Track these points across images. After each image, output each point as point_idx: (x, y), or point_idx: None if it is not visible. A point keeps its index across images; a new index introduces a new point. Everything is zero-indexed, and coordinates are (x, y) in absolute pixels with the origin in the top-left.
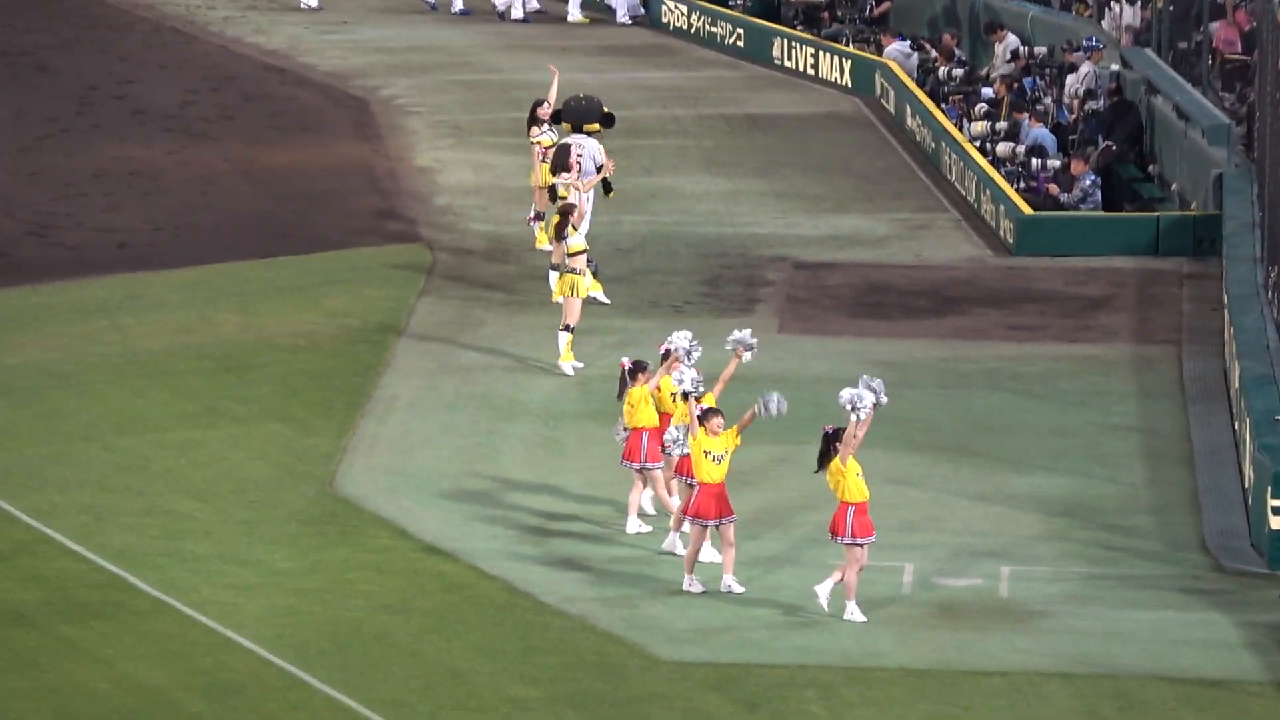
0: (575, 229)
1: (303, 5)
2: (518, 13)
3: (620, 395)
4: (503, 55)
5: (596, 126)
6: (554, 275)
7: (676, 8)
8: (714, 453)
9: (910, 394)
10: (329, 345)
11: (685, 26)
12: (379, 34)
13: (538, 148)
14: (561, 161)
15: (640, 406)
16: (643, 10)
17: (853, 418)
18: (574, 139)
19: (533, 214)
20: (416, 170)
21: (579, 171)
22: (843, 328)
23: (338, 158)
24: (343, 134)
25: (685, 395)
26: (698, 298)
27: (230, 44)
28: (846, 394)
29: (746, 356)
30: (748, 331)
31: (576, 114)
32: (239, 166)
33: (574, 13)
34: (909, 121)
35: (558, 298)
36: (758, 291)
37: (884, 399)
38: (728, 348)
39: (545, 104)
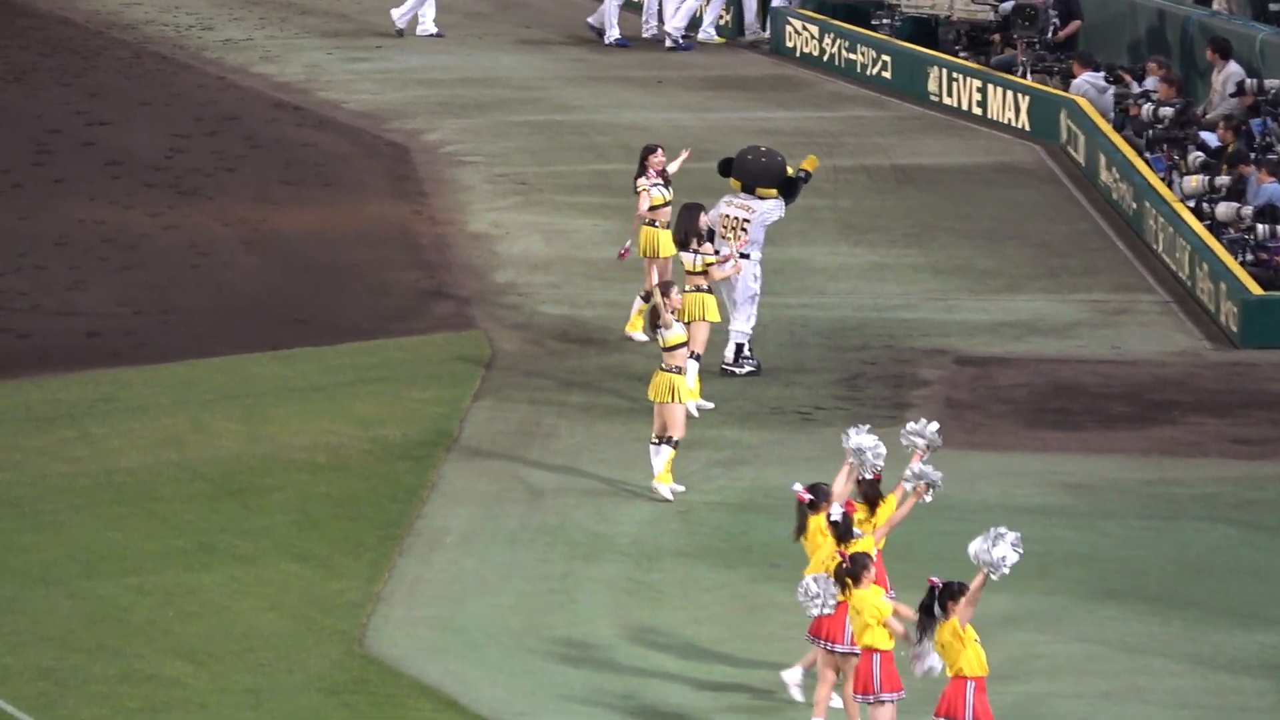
0: (673, 315)
1: (408, 29)
2: (650, 32)
3: (799, 534)
4: (580, 89)
5: (774, 194)
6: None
7: (805, 29)
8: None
9: (1106, 526)
10: (359, 463)
11: (815, 52)
12: (422, 62)
13: (644, 198)
14: (690, 228)
15: (824, 541)
16: (762, 31)
17: (992, 577)
18: (734, 201)
19: (626, 245)
20: (470, 237)
21: (741, 241)
22: (1019, 440)
23: (369, 221)
24: (376, 190)
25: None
26: (832, 402)
27: (231, 74)
28: (982, 550)
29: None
30: (932, 426)
31: (750, 171)
32: (242, 232)
33: (707, 31)
34: (1103, 174)
35: (657, 400)
36: (909, 394)
37: (1013, 553)
38: (905, 443)
39: (659, 152)
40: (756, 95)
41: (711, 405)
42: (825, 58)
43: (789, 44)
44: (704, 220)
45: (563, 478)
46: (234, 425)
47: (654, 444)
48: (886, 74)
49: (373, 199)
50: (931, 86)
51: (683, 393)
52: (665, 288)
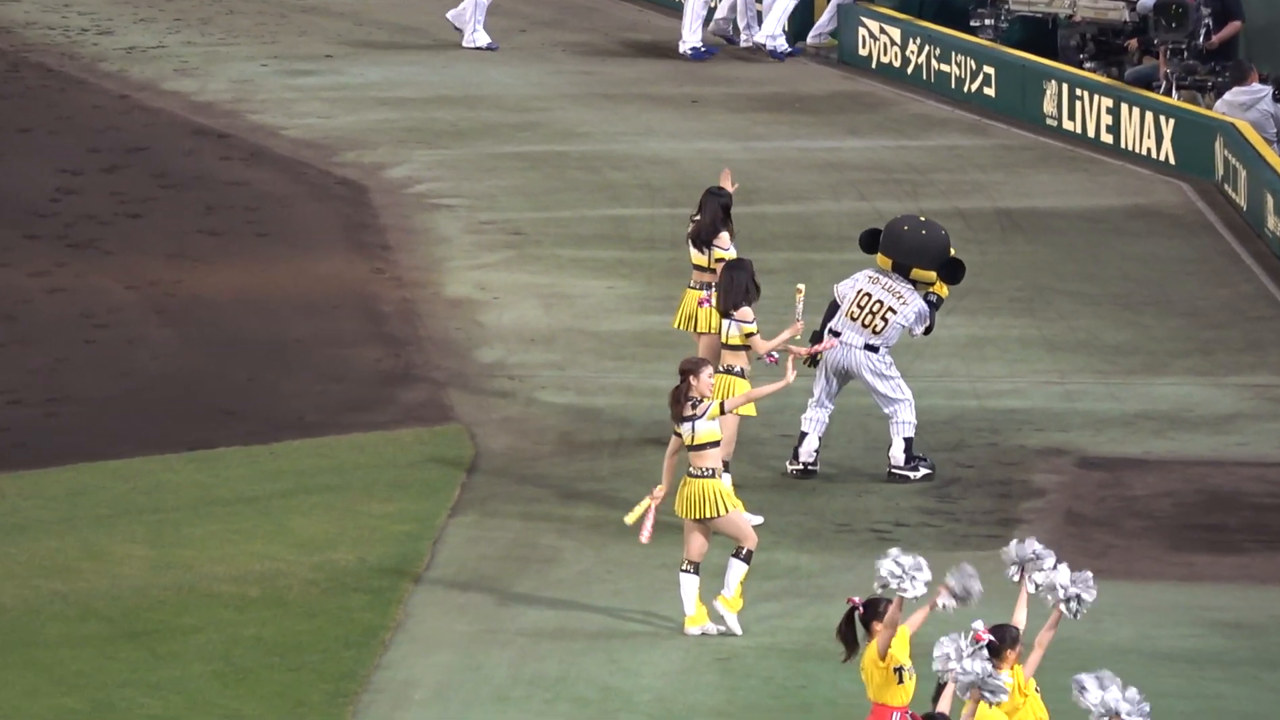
0: (703, 402)
1: (469, 42)
2: (748, 36)
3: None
4: (590, 110)
5: (933, 277)
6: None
7: (883, 32)
8: None
9: (1274, 679)
10: (301, 597)
11: (896, 62)
12: (385, 75)
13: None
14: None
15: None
16: (830, 36)
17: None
18: (881, 280)
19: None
20: (448, 304)
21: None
22: (1161, 567)
23: (317, 283)
24: (325, 243)
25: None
26: (917, 517)
27: (137, 92)
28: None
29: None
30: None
31: (904, 246)
32: (152, 297)
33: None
34: (1271, 220)
35: (687, 516)
36: (1017, 507)
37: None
38: (1010, 574)
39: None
40: (820, 118)
41: (761, 519)
42: (910, 69)
43: (862, 51)
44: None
45: (566, 615)
46: (139, 549)
47: (685, 571)
48: (989, 90)
49: (321, 254)
50: (1048, 107)
51: (725, 499)
52: (695, 366)
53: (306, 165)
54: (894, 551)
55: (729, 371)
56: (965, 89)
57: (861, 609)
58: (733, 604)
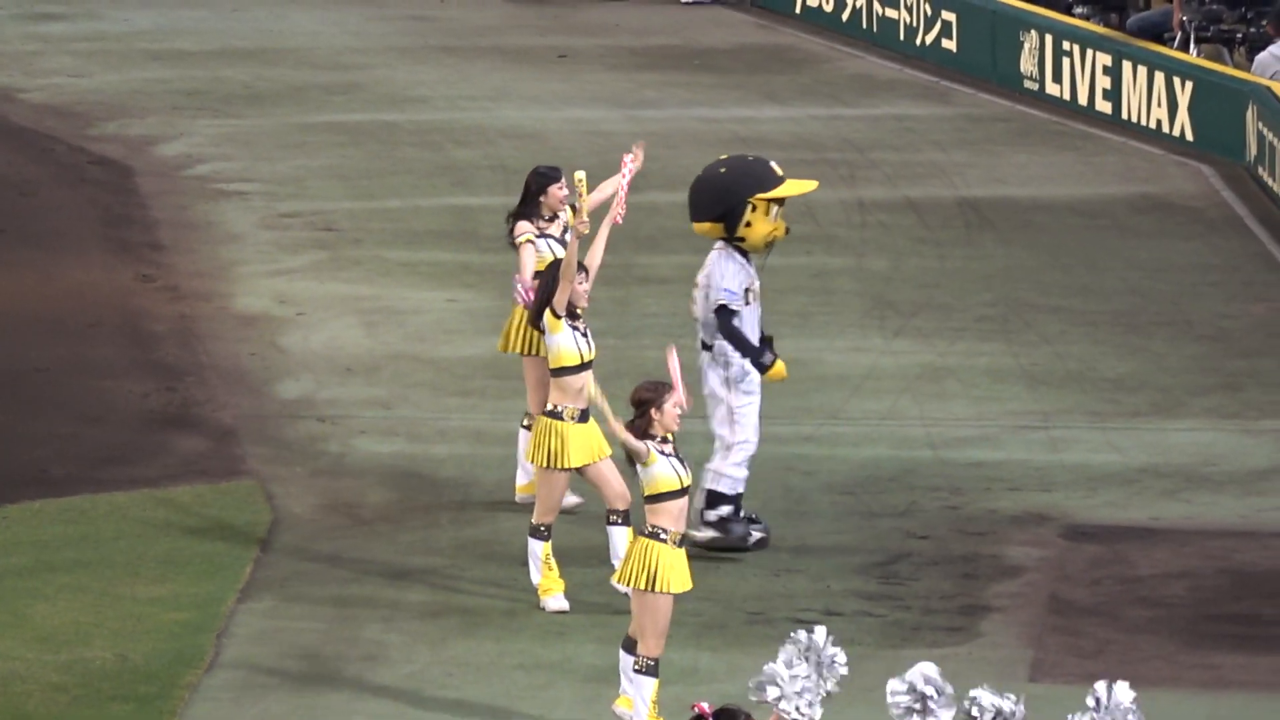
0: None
1: None
2: None
3: None
4: (426, 67)
5: (717, 231)
6: (535, 549)
7: None
8: None
9: None
10: (45, 708)
11: (829, 7)
12: (157, 21)
13: (526, 254)
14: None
15: None
16: None
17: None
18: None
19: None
20: (239, 321)
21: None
22: (1174, 670)
23: (66, 293)
24: (77, 240)
25: None
26: (854, 602)
27: None
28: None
29: None
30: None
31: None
32: None
33: None
34: None
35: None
36: (985, 590)
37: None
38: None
39: (560, 182)
40: (728, 79)
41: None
42: (845, 16)
43: None
44: (579, 288)
45: None
46: None
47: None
48: (949, 44)
49: (72, 257)
50: (1026, 65)
51: (669, 577)
52: (655, 393)
53: (53, 139)
54: (791, 649)
55: (553, 414)
56: (918, 42)
57: None
58: None
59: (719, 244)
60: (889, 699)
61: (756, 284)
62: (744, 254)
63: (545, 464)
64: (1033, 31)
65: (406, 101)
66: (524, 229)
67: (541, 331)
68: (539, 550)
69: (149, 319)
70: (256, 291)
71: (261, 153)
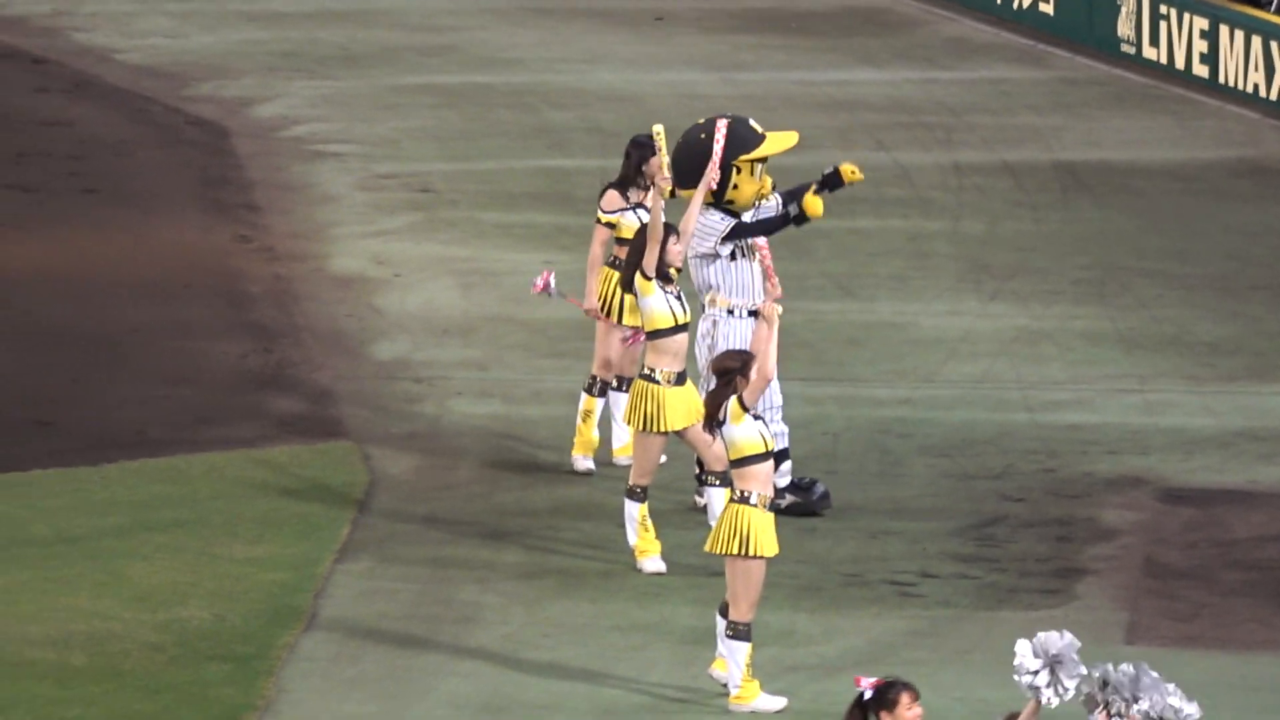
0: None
1: None
2: None
3: None
4: (523, 29)
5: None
6: (632, 510)
7: None
8: None
9: None
10: (142, 667)
11: None
12: None
13: (603, 235)
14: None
15: None
16: None
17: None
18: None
19: (548, 276)
20: (335, 283)
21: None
22: (1270, 634)
23: (162, 255)
24: (173, 201)
25: None
26: (949, 565)
27: None
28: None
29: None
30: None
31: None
32: None
33: None
34: None
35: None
36: (1081, 553)
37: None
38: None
39: (659, 155)
40: (825, 42)
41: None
42: None
43: None
44: (674, 248)
45: (489, 692)
46: None
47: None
48: (1046, 7)
49: (168, 218)
50: (1123, 29)
51: (760, 540)
52: (741, 361)
53: (149, 100)
54: (1041, 639)
55: (649, 378)
56: (1015, 5)
57: (870, 694)
58: (747, 695)
59: (717, 215)
60: (1018, 662)
61: (750, 241)
62: (732, 215)
63: (642, 427)
64: None
65: (501, 63)
66: (611, 202)
67: (634, 295)
68: (635, 512)
69: (245, 280)
70: (353, 253)
71: (357, 114)
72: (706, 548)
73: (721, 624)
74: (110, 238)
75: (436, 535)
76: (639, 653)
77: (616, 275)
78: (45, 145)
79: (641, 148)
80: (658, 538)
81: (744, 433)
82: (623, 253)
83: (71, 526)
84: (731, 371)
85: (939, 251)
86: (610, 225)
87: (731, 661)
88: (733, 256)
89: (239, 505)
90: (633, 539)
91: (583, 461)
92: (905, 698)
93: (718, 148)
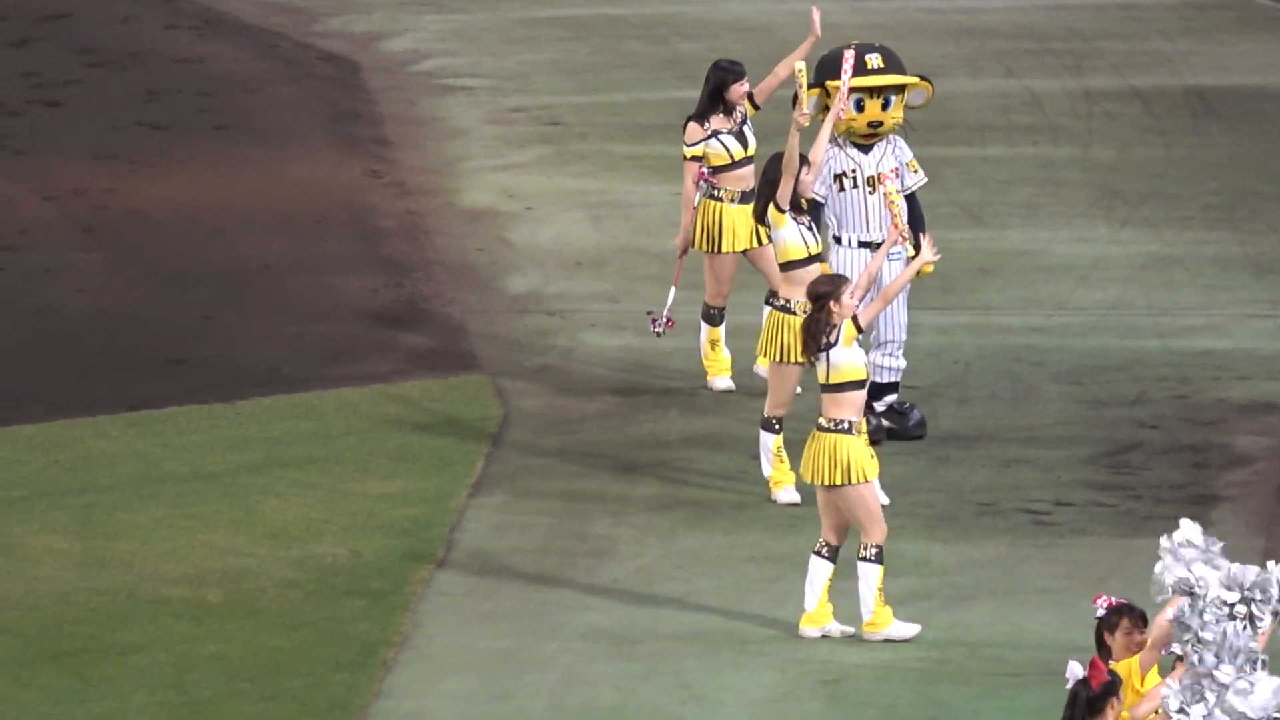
0: (856, 330)
1: None
2: None
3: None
4: None
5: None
6: (767, 441)
7: None
8: None
9: None
10: (276, 604)
11: None
12: None
13: (696, 171)
14: (769, 189)
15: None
16: None
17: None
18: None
19: (664, 314)
20: (466, 217)
21: (895, 196)
22: None
23: (293, 191)
24: (304, 137)
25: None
26: (1083, 493)
27: None
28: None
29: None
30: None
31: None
32: (77, 211)
33: None
34: None
35: (815, 480)
36: (1215, 480)
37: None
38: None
39: (743, 81)
40: None
41: (886, 501)
42: None
43: None
44: (805, 179)
45: (624, 626)
46: (62, 541)
47: (818, 555)
48: None
49: (299, 153)
50: None
51: (861, 466)
52: (831, 288)
53: (279, 35)
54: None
55: (784, 309)
56: None
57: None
58: (881, 621)
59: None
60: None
61: (867, 170)
62: (853, 141)
63: (778, 358)
64: None
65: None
66: (693, 134)
67: (767, 227)
68: (770, 443)
69: (376, 215)
70: (483, 187)
71: (487, 48)
72: (808, 479)
73: (818, 565)
74: (241, 175)
75: (570, 469)
76: (773, 584)
77: (716, 205)
78: (176, 83)
79: (724, 73)
80: (793, 469)
81: (850, 357)
82: (720, 181)
83: (206, 463)
84: (824, 296)
85: (1069, 179)
86: (697, 158)
87: (864, 585)
88: (841, 187)
89: (372, 441)
90: (767, 470)
91: (721, 381)
92: (1125, 622)
93: (845, 77)
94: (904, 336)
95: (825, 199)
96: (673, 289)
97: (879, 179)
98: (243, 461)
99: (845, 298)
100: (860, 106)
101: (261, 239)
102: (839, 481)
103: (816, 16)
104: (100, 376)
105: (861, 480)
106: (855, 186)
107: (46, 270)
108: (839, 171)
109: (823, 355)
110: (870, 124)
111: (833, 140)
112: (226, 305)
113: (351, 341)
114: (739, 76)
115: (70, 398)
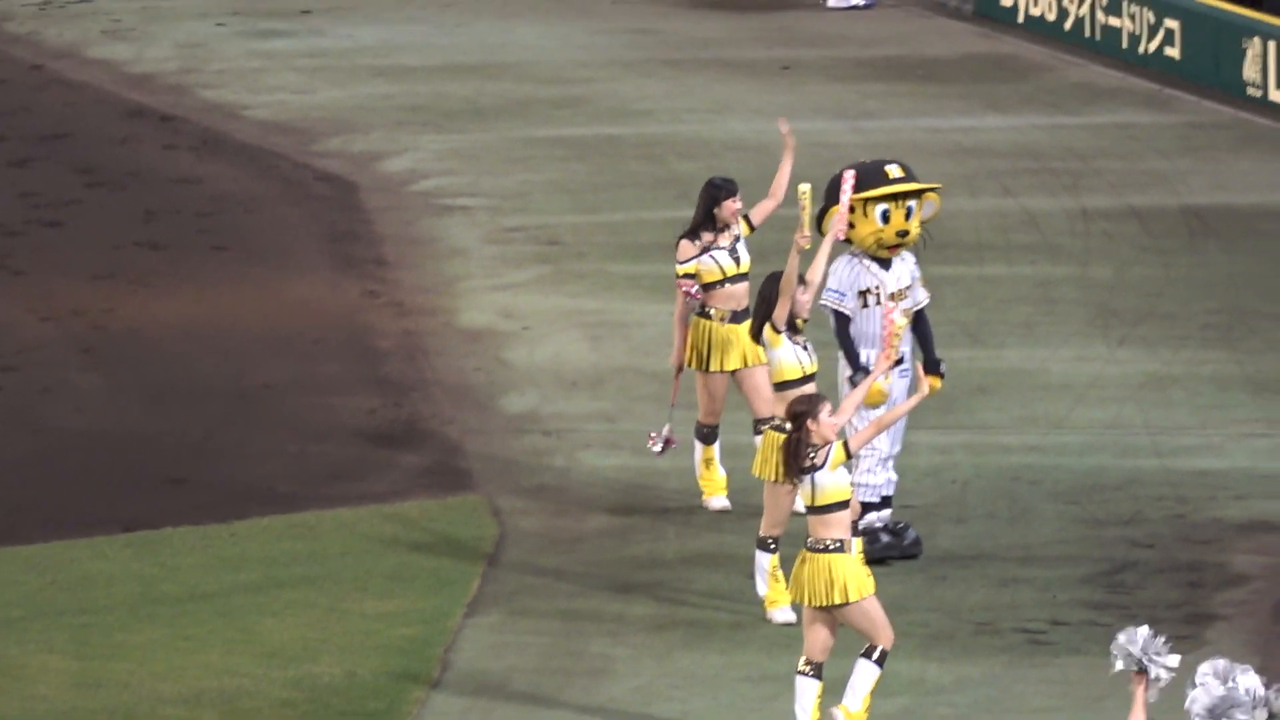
0: (845, 455)
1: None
2: None
3: None
4: (649, 80)
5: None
6: (762, 561)
7: None
8: None
9: None
10: None
11: (1051, 15)
12: (380, 37)
13: (688, 289)
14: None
15: None
16: None
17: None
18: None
19: (664, 433)
20: (464, 337)
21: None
22: None
23: (292, 311)
24: (303, 257)
25: None
26: (1080, 612)
27: (56, 60)
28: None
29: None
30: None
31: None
32: (76, 330)
33: None
34: None
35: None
36: (1211, 599)
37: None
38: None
39: (733, 197)
40: (951, 89)
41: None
42: (1068, 24)
43: (1005, 1)
44: (802, 299)
45: None
46: (60, 660)
47: (803, 674)
48: (1173, 51)
49: (298, 273)
50: (1250, 72)
51: (856, 582)
52: (809, 407)
53: (278, 156)
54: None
55: (779, 428)
56: (1141, 49)
57: None
58: (857, 718)
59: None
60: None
61: (889, 287)
62: (875, 257)
63: (773, 478)
64: (1256, 38)
65: (630, 115)
66: (684, 251)
67: (763, 346)
68: (766, 562)
69: (375, 335)
70: (481, 306)
71: (485, 167)
72: (806, 603)
73: (805, 685)
74: (240, 294)
75: (566, 588)
76: (769, 704)
77: (706, 323)
78: (175, 203)
79: (716, 189)
80: (788, 588)
81: (835, 479)
82: (711, 299)
83: (203, 583)
84: (802, 415)
85: (1067, 297)
86: (689, 275)
87: (859, 678)
88: (865, 304)
89: (369, 560)
90: (763, 589)
91: (717, 501)
92: None
93: (844, 198)
94: (896, 449)
95: (852, 315)
96: (670, 409)
97: (899, 295)
98: (239, 581)
99: (823, 416)
100: (886, 218)
101: (260, 359)
102: (839, 601)
103: (785, 127)
104: (98, 496)
105: (860, 597)
106: (879, 303)
107: (45, 390)
108: (863, 288)
109: (807, 477)
110: (898, 233)
111: (855, 255)
112: (225, 425)
113: (349, 461)
114: (731, 193)
115: (68, 517)
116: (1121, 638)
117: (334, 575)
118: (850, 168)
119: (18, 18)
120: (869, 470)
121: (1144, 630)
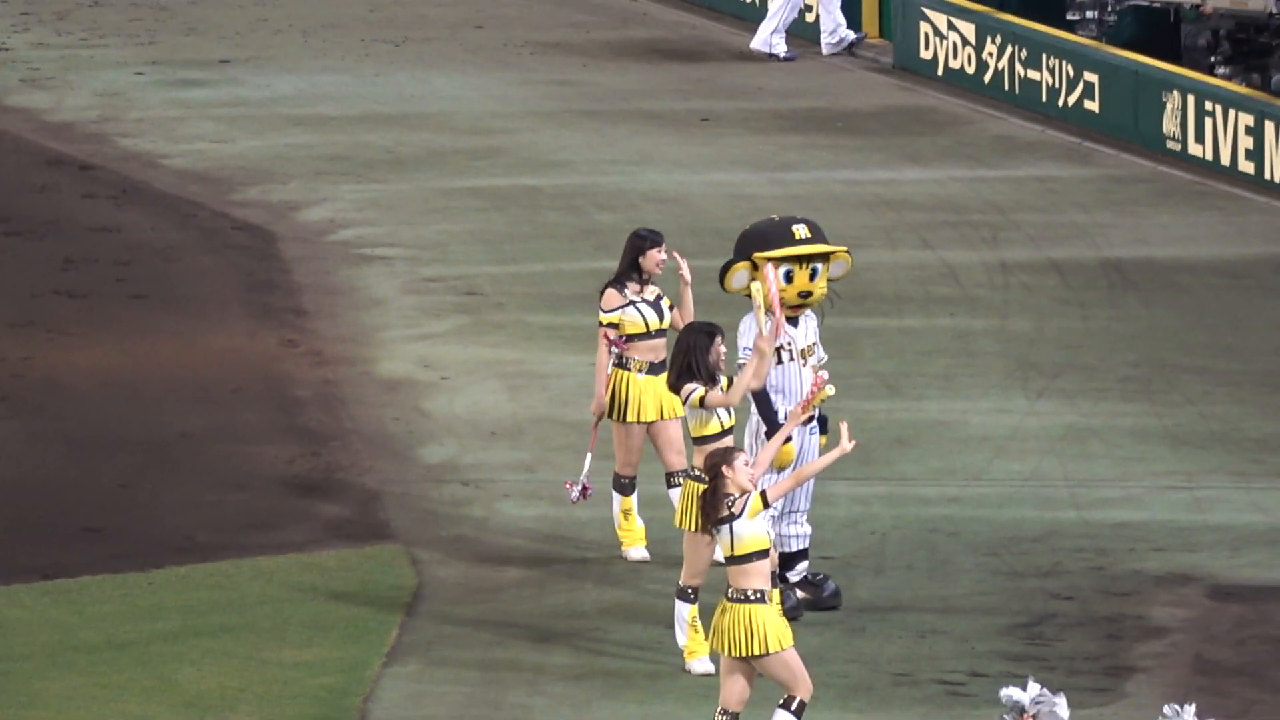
0: (762, 504)
1: (771, 50)
2: (782, 47)
3: None
4: (569, 131)
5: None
6: (682, 611)
7: (952, 29)
8: None
9: None
10: None
11: (970, 68)
12: (298, 86)
13: (610, 339)
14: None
15: None
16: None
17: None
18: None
19: (581, 481)
20: (382, 387)
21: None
22: None
23: (210, 360)
24: (221, 306)
25: None
26: (999, 664)
27: None
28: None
29: None
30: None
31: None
32: None
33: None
34: None
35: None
36: (1130, 651)
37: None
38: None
39: (658, 248)
40: (872, 141)
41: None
42: (987, 77)
43: (925, 54)
44: (717, 351)
45: None
46: None
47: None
48: (1092, 105)
49: (215, 322)
50: (1169, 126)
51: (779, 632)
52: (723, 457)
53: (196, 205)
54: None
55: (699, 479)
56: (1060, 103)
57: None
58: None
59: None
60: None
61: (800, 343)
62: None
63: (692, 528)
64: (1175, 92)
65: (549, 166)
66: (610, 301)
67: (680, 397)
68: (685, 613)
69: (293, 384)
70: (400, 356)
71: (404, 218)
72: (726, 653)
73: (781, 718)
74: (158, 343)
75: (485, 637)
76: None
77: (625, 374)
78: (93, 251)
79: (640, 240)
80: (707, 639)
81: (755, 529)
82: (631, 350)
83: (120, 632)
84: (717, 465)
85: (986, 349)
86: (613, 324)
87: None
88: (779, 360)
89: (287, 609)
90: (682, 640)
91: (636, 551)
92: None
93: (774, 293)
94: (808, 505)
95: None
96: (588, 456)
97: (808, 351)
98: (157, 630)
99: (738, 463)
100: (790, 277)
101: (179, 408)
102: (758, 652)
103: (684, 264)
104: (16, 544)
105: (780, 648)
106: (792, 359)
107: None
108: (780, 345)
109: (725, 527)
110: (800, 294)
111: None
112: (143, 474)
113: (267, 510)
114: (656, 244)
115: None
116: (1008, 690)
117: (252, 624)
118: (760, 223)
119: None
120: (795, 522)
121: (1034, 686)
